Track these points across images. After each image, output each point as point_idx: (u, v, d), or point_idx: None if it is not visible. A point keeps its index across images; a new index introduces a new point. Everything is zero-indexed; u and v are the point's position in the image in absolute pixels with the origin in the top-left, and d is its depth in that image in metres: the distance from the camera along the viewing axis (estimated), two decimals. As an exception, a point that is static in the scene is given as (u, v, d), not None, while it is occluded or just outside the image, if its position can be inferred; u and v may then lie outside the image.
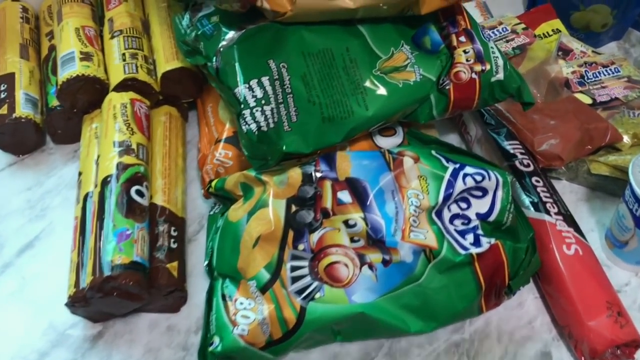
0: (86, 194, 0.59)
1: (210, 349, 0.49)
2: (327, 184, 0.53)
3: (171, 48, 0.67)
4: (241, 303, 0.50)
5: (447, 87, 0.57)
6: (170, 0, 0.72)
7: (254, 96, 0.53)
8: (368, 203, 0.52)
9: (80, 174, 0.62)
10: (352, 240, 0.52)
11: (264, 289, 0.50)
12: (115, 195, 0.55)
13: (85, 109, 0.67)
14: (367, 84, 0.55)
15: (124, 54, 0.66)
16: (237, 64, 0.54)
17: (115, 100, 0.62)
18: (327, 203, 0.52)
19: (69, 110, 0.67)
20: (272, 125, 0.52)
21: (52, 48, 0.73)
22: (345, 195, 0.52)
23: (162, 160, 0.62)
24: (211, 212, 0.60)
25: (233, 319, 0.50)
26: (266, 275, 0.50)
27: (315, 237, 0.52)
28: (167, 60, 0.66)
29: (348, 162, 0.54)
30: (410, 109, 0.57)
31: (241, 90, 0.53)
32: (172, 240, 0.57)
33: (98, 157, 0.61)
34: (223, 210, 0.58)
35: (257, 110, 0.52)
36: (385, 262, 0.51)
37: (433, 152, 0.56)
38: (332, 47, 0.56)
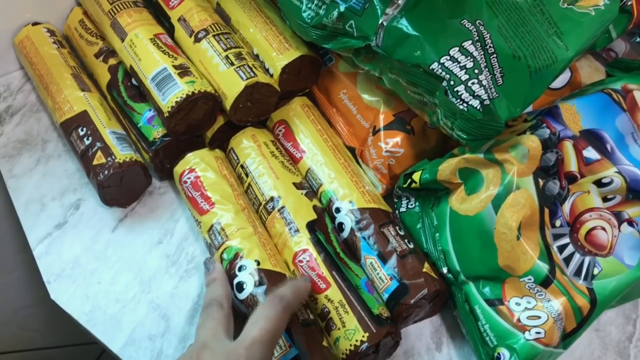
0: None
1: (503, 364, 0.43)
2: (568, 145, 0.46)
3: (277, 36, 0.56)
4: (517, 304, 0.44)
5: (629, 3, 0.50)
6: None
7: (462, 67, 0.44)
8: (614, 154, 0.46)
9: None
10: (604, 199, 0.46)
11: (546, 282, 0.43)
12: None
13: (198, 132, 0.56)
14: (560, 20, 0.48)
15: (227, 57, 0.54)
16: (419, 35, 0.45)
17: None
18: (572, 166, 0.45)
19: (178, 138, 0.55)
20: (494, 96, 0.44)
21: (115, 70, 0.60)
22: (591, 153, 0.45)
23: (334, 155, 0.55)
24: (402, 209, 0.52)
25: (519, 324, 0.43)
26: (544, 266, 0.43)
27: (566, 207, 0.45)
28: (279, 51, 0.55)
29: (575, 113, 0.47)
30: (596, 38, 0.50)
31: (441, 63, 0.44)
32: (406, 240, 0.49)
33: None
34: (424, 205, 0.50)
35: (473, 83, 0.44)
36: (647, 214, 0.46)
37: None
38: (511, -13, 0.48)
